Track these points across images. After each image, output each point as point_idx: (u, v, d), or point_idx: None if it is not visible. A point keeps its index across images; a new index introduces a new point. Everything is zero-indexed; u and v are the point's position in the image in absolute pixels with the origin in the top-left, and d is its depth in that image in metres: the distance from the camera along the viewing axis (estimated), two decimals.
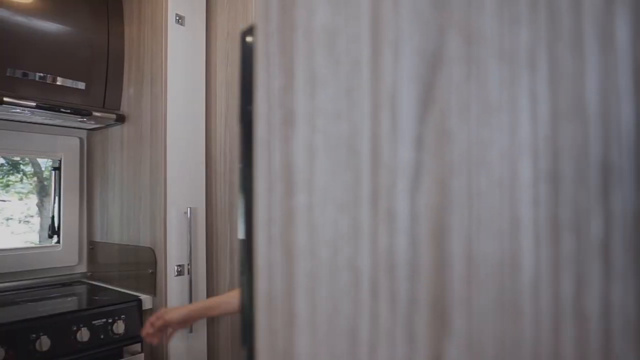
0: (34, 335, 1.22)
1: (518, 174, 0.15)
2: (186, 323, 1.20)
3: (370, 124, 0.17)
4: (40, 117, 1.57)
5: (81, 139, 1.87)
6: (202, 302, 1.32)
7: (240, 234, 0.26)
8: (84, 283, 1.79)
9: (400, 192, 0.16)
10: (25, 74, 1.43)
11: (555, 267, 0.15)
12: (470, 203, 0.15)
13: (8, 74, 1.39)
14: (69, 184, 1.83)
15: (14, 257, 1.68)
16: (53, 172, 1.82)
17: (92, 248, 1.83)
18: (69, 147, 1.83)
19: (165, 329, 1.17)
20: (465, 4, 0.15)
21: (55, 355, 1.25)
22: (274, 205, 0.20)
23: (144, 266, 1.53)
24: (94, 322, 1.34)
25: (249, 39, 0.27)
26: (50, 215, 1.81)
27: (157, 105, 1.49)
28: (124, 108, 1.68)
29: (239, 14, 1.52)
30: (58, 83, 1.51)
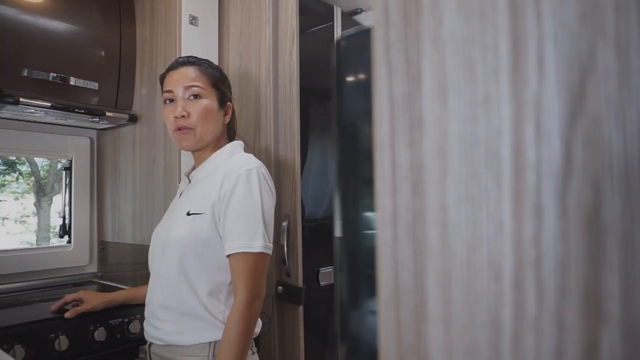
0: (52, 335, 1.22)
1: None
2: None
3: (512, 129, 0.18)
4: (53, 117, 1.57)
5: (91, 139, 1.87)
6: (124, 292, 1.36)
7: (338, 232, 0.27)
8: (95, 283, 1.80)
9: (549, 190, 0.17)
10: (40, 74, 1.43)
11: None
12: (628, 200, 0.16)
13: (23, 75, 1.40)
14: (80, 183, 1.83)
15: (26, 257, 1.68)
16: (64, 172, 1.82)
17: (103, 248, 1.84)
18: (79, 147, 1.83)
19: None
20: (613, 14, 0.17)
21: (74, 354, 1.25)
22: (399, 204, 0.21)
23: None
24: (110, 321, 1.34)
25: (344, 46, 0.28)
26: (63, 215, 1.81)
27: None
28: (136, 108, 1.68)
29: (252, 15, 1.52)
30: (71, 83, 1.51)
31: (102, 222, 1.86)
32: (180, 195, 1.20)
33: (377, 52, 0.23)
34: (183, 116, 1.10)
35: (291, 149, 1.43)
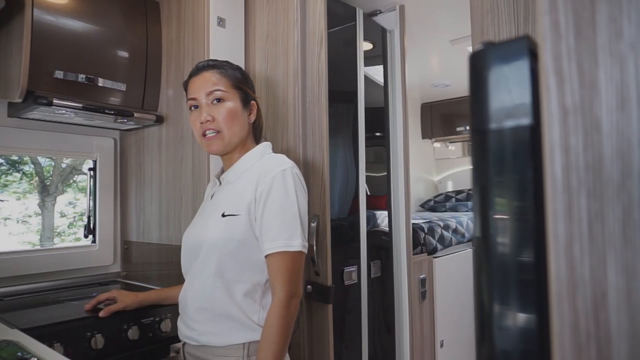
0: (89, 334, 1.24)
1: None
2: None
3: None
4: (81, 117, 1.58)
5: (115, 140, 1.89)
6: (156, 292, 1.37)
7: (478, 232, 0.28)
8: (119, 282, 1.81)
9: None
10: (70, 76, 1.44)
11: None
12: None
13: (55, 76, 1.41)
14: (104, 183, 1.84)
15: (52, 257, 1.69)
16: (88, 172, 1.84)
17: (127, 248, 1.85)
18: (103, 147, 1.85)
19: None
20: None
21: (109, 353, 1.27)
22: (574, 206, 0.23)
23: None
24: (142, 320, 1.36)
25: (480, 60, 0.29)
26: (88, 215, 1.83)
27: None
28: (162, 109, 1.70)
29: (279, 17, 1.54)
30: (99, 84, 1.52)
31: (125, 222, 1.88)
32: (212, 197, 1.20)
33: (546, 64, 0.24)
34: (208, 121, 1.12)
35: (320, 150, 1.45)
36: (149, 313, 1.36)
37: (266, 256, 1.05)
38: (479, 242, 0.28)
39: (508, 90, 0.27)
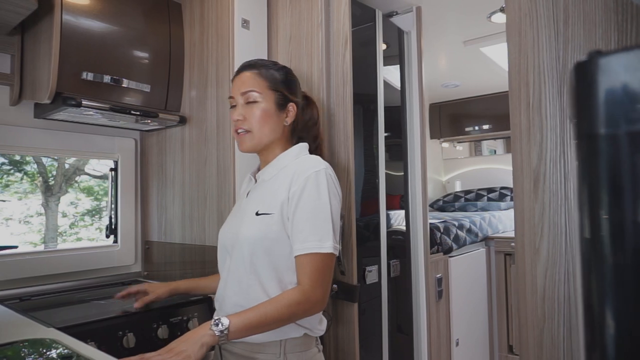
0: (120, 333, 1.25)
1: None
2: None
3: None
4: (107, 118, 1.60)
5: (135, 140, 1.90)
6: (186, 282, 1.38)
7: (587, 233, 0.30)
8: (140, 282, 1.82)
9: None
10: (96, 77, 1.46)
11: None
12: None
13: (82, 77, 1.42)
14: (126, 184, 1.86)
15: (76, 257, 1.71)
16: (110, 173, 1.85)
17: (148, 248, 1.87)
18: (125, 148, 1.86)
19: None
20: None
21: (140, 351, 1.26)
22: None
23: (211, 265, 1.56)
24: (171, 319, 1.37)
25: (592, 68, 0.31)
26: (110, 215, 1.84)
27: (225, 108, 1.53)
28: (184, 110, 1.71)
29: (303, 18, 1.55)
30: (124, 85, 1.54)
31: (146, 222, 1.89)
32: (247, 194, 1.22)
33: None
34: (239, 120, 1.15)
35: (345, 151, 1.46)
36: (177, 312, 1.38)
37: (296, 257, 1.06)
38: (588, 244, 0.30)
39: (626, 96, 0.28)
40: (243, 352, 1.10)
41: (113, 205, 1.85)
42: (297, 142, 1.22)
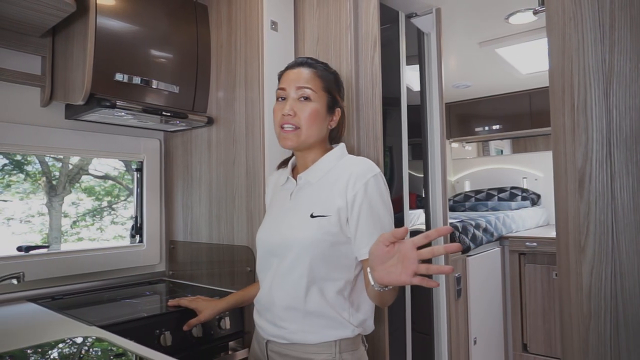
0: (157, 331, 1.27)
1: None
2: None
3: None
4: (136, 119, 1.61)
5: (160, 140, 1.92)
6: (234, 298, 1.37)
7: None
8: (165, 281, 1.84)
9: None
10: (129, 78, 1.47)
11: None
12: None
13: (116, 79, 1.44)
14: (151, 184, 1.87)
15: (103, 256, 1.72)
16: (135, 173, 1.87)
17: (173, 247, 1.88)
18: (150, 148, 1.88)
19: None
20: None
21: (176, 350, 1.30)
22: None
23: (240, 264, 1.58)
24: None
25: None
26: (134, 216, 1.86)
27: (254, 108, 1.54)
28: (211, 110, 1.73)
29: (330, 20, 1.57)
30: (153, 86, 1.55)
31: (171, 222, 1.91)
32: (291, 196, 1.19)
33: None
34: (289, 115, 1.13)
35: (374, 152, 1.48)
36: None
37: (362, 260, 1.08)
38: None
39: None
40: (296, 354, 1.09)
41: (139, 205, 1.86)
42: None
